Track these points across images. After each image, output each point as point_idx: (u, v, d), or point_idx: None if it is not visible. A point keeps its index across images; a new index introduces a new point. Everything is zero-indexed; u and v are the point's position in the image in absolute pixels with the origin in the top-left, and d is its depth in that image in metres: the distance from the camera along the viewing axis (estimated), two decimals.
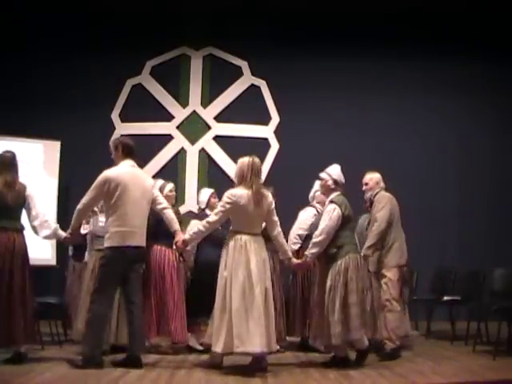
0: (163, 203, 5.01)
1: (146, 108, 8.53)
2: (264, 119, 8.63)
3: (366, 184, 5.63)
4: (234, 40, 8.44)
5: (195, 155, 8.53)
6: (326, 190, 5.07)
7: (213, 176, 8.32)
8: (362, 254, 5.16)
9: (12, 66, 8.14)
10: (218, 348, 4.57)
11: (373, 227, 5.38)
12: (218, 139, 8.56)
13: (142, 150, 8.23)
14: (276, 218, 4.91)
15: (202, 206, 6.01)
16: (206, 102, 8.65)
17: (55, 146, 7.76)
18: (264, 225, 5.02)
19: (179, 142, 8.56)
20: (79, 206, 4.80)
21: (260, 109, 8.59)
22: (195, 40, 8.63)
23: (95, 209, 5.54)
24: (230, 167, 8.40)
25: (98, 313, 4.68)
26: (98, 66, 8.21)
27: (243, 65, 8.70)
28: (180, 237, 4.90)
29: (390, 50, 8.37)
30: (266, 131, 8.62)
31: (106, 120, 8.42)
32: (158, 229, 5.21)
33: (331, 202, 4.89)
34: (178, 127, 8.59)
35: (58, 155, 7.77)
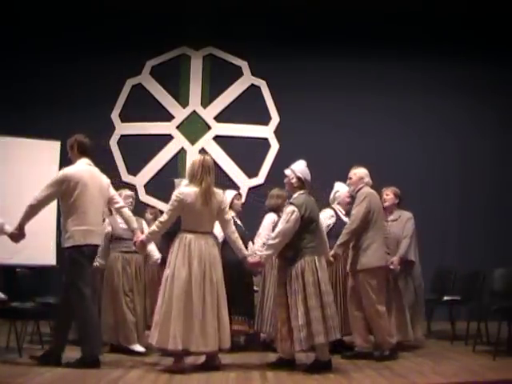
0: (120, 202, 5.04)
1: (146, 108, 8.53)
2: (264, 119, 8.62)
3: (350, 178, 5.46)
4: (234, 40, 8.44)
5: (195, 155, 8.51)
6: (290, 188, 4.94)
7: None
8: (332, 253, 5.13)
9: (12, 66, 8.14)
10: (153, 341, 4.63)
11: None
12: (218, 139, 8.56)
13: (142, 150, 8.40)
14: (228, 217, 4.91)
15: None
16: (205, 101, 8.65)
17: (55, 146, 7.75)
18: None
19: (179, 141, 8.56)
20: (33, 202, 4.69)
21: (260, 109, 8.59)
22: (195, 40, 8.63)
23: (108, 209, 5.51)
24: (230, 167, 8.42)
25: (85, 315, 4.65)
26: (98, 66, 8.21)
27: (243, 65, 8.70)
28: (138, 236, 4.90)
29: (390, 49, 8.37)
30: (266, 131, 8.62)
31: (105, 120, 8.42)
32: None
33: (290, 203, 4.79)
34: (178, 127, 8.59)
35: (58, 155, 7.75)
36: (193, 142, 8.57)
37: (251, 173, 8.48)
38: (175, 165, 8.47)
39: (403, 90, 8.52)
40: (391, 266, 5.52)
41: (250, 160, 8.49)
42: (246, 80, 8.69)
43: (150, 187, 8.33)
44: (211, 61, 8.70)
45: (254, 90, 8.66)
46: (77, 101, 8.19)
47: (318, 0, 8.31)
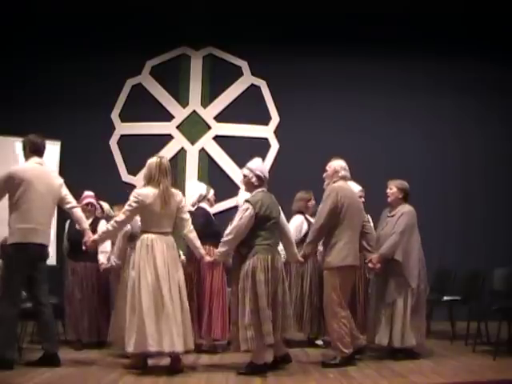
0: (72, 202, 5.01)
1: (146, 108, 8.52)
2: (264, 119, 8.62)
3: (326, 171, 5.19)
4: (234, 40, 8.44)
5: (195, 155, 8.53)
6: (250, 188, 4.88)
7: (213, 176, 8.31)
8: (302, 253, 5.05)
9: (12, 66, 8.14)
10: (129, 348, 4.58)
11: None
12: (217, 139, 8.56)
13: (142, 150, 8.38)
14: (186, 216, 4.89)
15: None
16: (206, 101, 8.64)
17: (55, 146, 7.75)
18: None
19: (179, 142, 8.55)
20: None
21: (260, 109, 8.59)
22: (195, 40, 8.62)
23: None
24: (230, 167, 8.41)
25: (4, 313, 4.60)
26: (98, 66, 8.21)
27: (243, 65, 8.69)
28: (90, 236, 4.90)
29: (389, 50, 8.36)
30: (266, 131, 8.62)
31: (106, 120, 8.42)
32: (206, 229, 5.38)
33: (246, 201, 4.76)
34: (178, 127, 8.59)
35: (58, 155, 7.76)
36: (193, 142, 8.56)
37: None
38: (175, 165, 8.45)
39: (404, 90, 8.51)
40: (369, 265, 5.15)
41: (250, 160, 8.46)
42: (246, 80, 8.69)
43: None
44: (211, 61, 8.70)
45: (254, 90, 8.66)
46: (77, 101, 8.18)
47: (319, 0, 8.32)
